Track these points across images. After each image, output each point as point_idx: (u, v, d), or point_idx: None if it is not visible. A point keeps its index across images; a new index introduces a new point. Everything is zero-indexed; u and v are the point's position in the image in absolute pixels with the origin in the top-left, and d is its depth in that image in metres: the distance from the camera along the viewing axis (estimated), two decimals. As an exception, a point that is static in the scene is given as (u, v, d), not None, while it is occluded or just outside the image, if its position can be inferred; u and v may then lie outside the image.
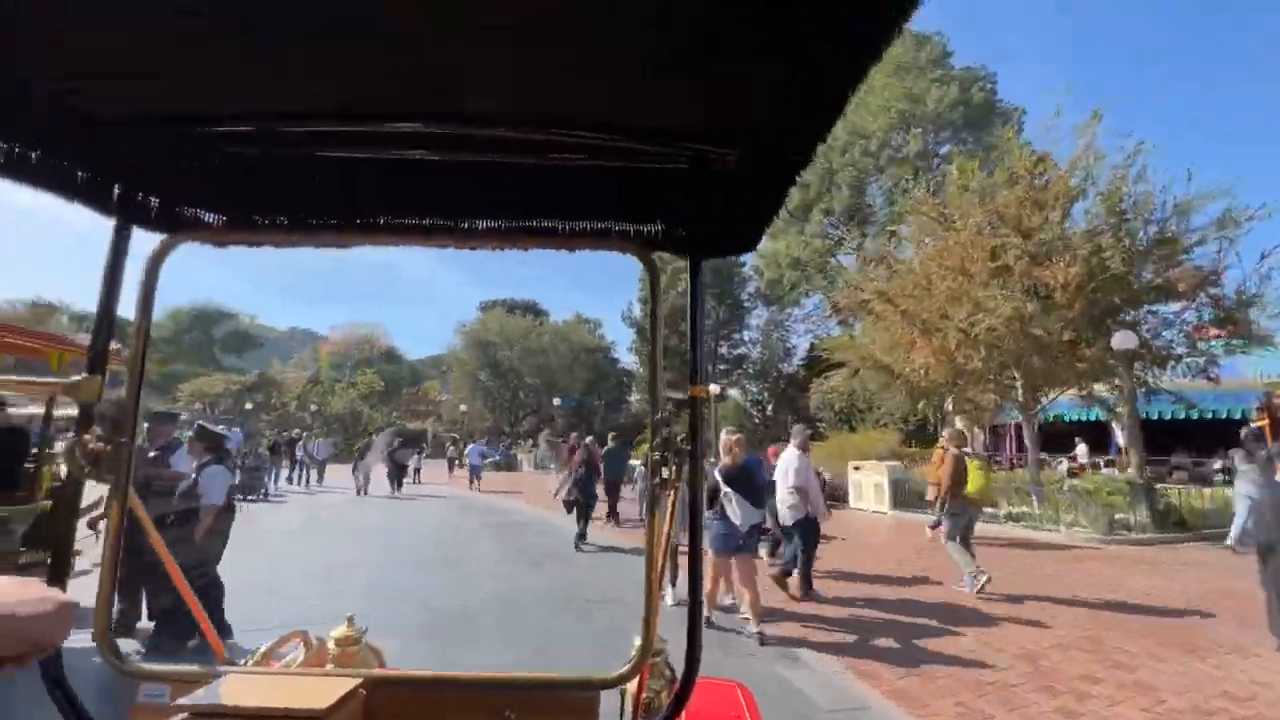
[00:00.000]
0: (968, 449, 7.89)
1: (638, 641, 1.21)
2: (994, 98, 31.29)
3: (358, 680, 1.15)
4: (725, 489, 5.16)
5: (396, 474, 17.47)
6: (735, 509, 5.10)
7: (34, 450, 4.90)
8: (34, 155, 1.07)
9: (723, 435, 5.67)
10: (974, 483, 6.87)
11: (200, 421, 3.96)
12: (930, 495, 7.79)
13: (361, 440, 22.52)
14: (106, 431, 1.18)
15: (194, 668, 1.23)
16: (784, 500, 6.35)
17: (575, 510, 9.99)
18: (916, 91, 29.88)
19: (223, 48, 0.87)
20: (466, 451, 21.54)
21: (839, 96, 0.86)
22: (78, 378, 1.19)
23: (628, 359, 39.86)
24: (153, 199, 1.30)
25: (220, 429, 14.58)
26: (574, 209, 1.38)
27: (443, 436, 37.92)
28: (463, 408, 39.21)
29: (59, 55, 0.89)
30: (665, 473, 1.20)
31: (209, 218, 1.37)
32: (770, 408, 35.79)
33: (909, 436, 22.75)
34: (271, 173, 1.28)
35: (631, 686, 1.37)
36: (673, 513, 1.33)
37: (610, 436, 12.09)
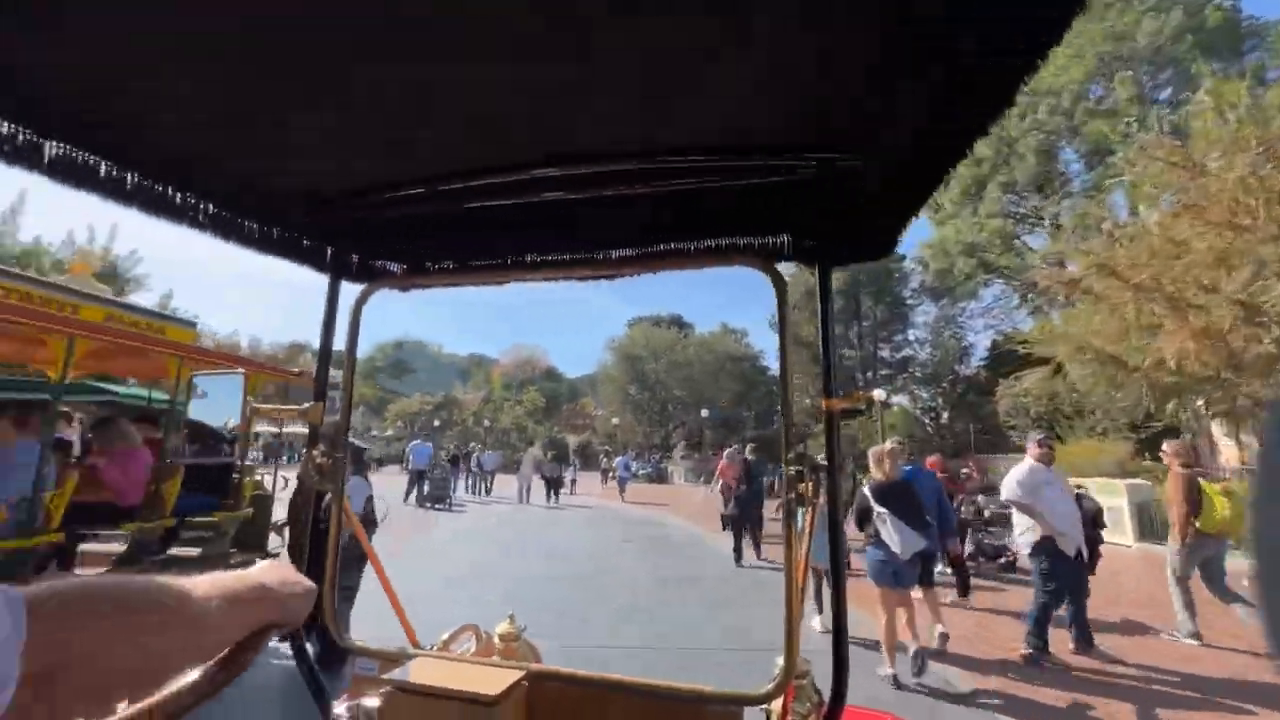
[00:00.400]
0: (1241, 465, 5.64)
1: (780, 661, 1.19)
2: (1238, 14, 24.66)
3: (522, 673, 1.26)
4: (878, 509, 4.33)
5: (551, 485, 18.42)
6: (891, 532, 4.24)
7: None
8: (275, 231, 1.43)
9: (883, 446, 4.87)
10: (1217, 510, 4.95)
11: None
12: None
13: (520, 452, 24.14)
14: (327, 448, 1.41)
15: (394, 649, 1.44)
16: (1016, 525, 4.97)
17: (732, 526, 9.34)
18: (1121, 28, 24.60)
19: (399, 134, 1.11)
20: (615, 464, 22.08)
21: (997, 95, 0.79)
22: (308, 404, 1.44)
23: (777, 368, 38.01)
24: (354, 256, 1.60)
25: (416, 443, 16.25)
26: (700, 229, 1.44)
27: (596, 449, 39.45)
28: (615, 421, 40.43)
29: (288, 156, 1.19)
30: (802, 488, 1.18)
31: (394, 268, 1.65)
32: (946, 415, 31.49)
33: (1142, 446, 18.24)
34: (436, 227, 1.49)
35: (776, 707, 1.31)
36: (810, 530, 1.27)
37: (749, 448, 11.38)
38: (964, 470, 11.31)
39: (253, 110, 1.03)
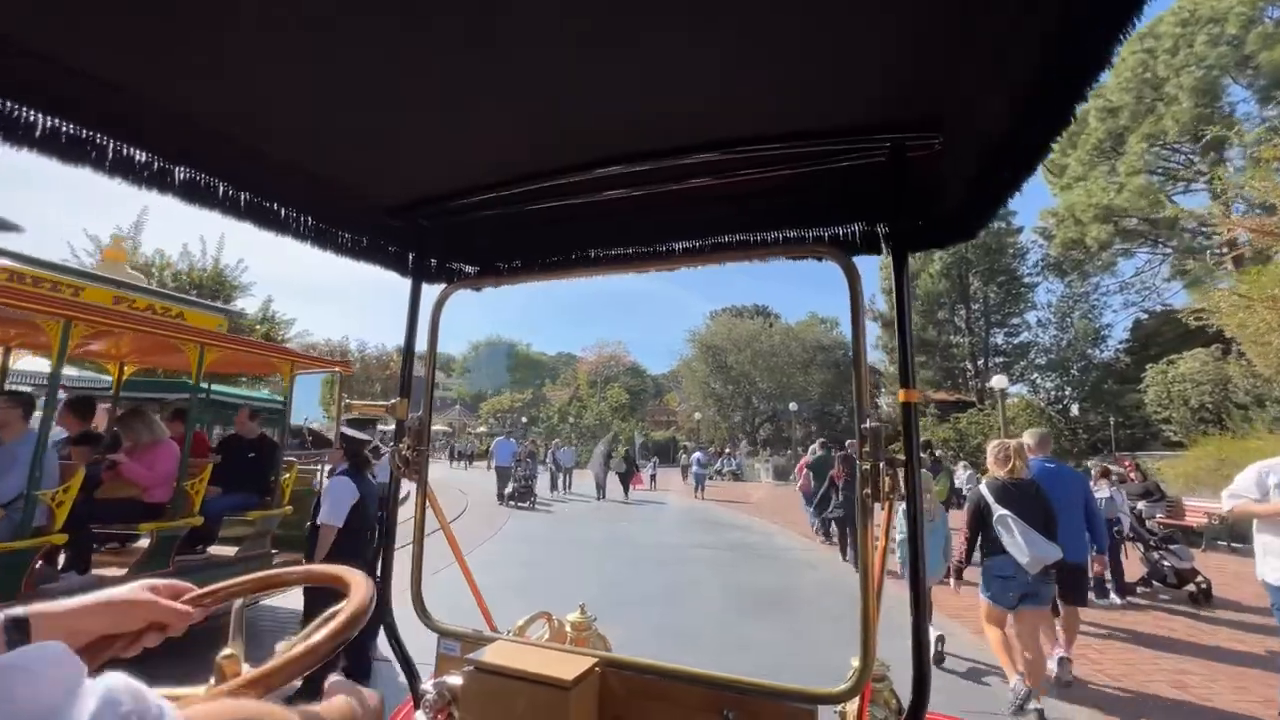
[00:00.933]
0: None
1: (855, 662, 1.16)
2: None
3: (594, 660, 1.30)
4: (999, 511, 3.67)
5: (622, 480, 18.21)
6: (1019, 540, 3.55)
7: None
8: (364, 240, 1.62)
9: (1009, 440, 4.15)
10: None
11: (343, 426, 3.39)
12: None
13: (594, 447, 23.82)
14: (413, 442, 1.53)
15: (473, 631, 1.51)
16: (1259, 549, 3.47)
17: (836, 526, 9.14)
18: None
19: (472, 142, 1.23)
20: (691, 459, 21.33)
21: (1095, 54, 0.72)
22: (394, 400, 1.58)
23: (874, 355, 34.98)
24: (432, 260, 1.75)
25: (499, 439, 16.01)
26: (767, 221, 1.45)
27: (680, 445, 38.60)
28: (697, 416, 39.33)
29: (374, 171, 1.37)
30: (879, 485, 1.12)
31: (469, 269, 1.78)
32: (1076, 407, 27.45)
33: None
34: (507, 229, 1.64)
35: (851, 708, 1.30)
36: (886, 529, 1.22)
37: (819, 443, 10.33)
38: (1117, 469, 9.27)
39: (346, 131, 1.20)
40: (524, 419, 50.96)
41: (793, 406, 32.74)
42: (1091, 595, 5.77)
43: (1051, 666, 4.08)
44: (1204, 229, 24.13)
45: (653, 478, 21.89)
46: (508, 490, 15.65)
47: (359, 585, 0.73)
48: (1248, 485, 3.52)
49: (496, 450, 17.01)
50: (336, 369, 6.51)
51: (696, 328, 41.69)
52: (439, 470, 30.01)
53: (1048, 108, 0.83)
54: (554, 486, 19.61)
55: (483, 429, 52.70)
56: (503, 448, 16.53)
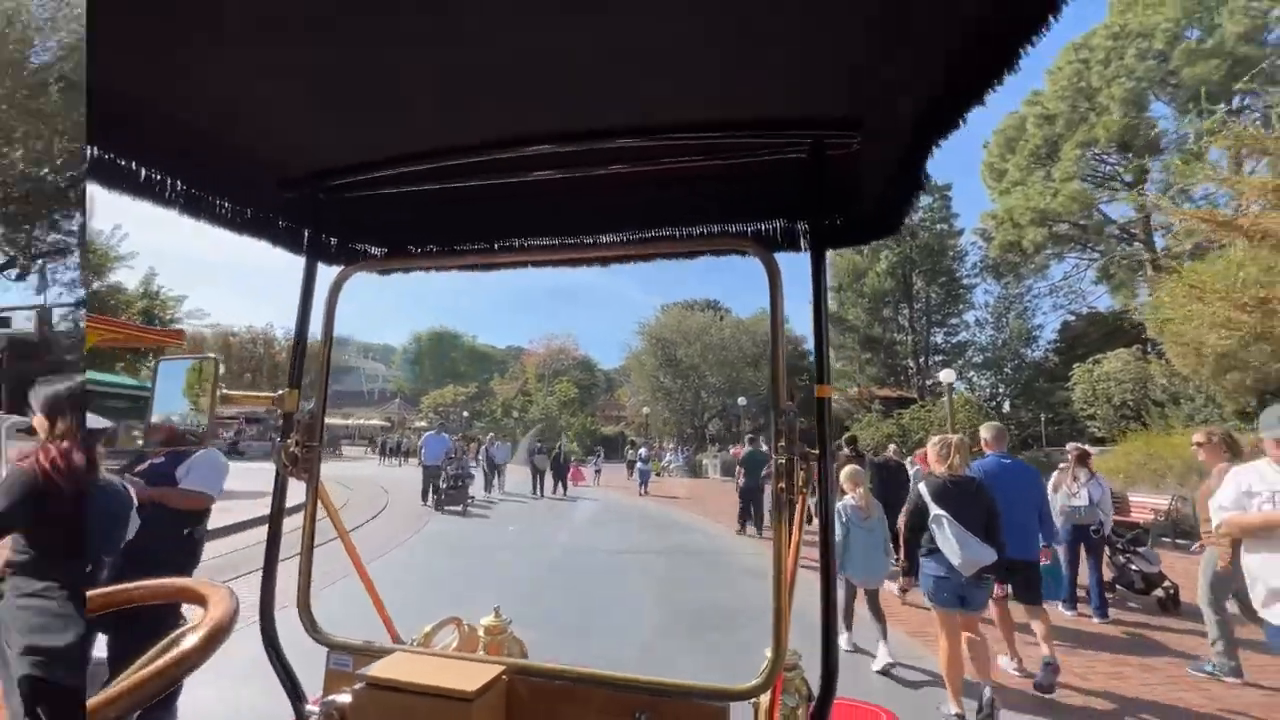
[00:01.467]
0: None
1: (768, 654, 1.15)
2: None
3: (502, 668, 1.23)
4: (935, 511, 3.53)
5: (557, 476, 17.69)
6: (949, 540, 3.39)
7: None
8: (248, 212, 1.46)
9: (950, 435, 4.01)
10: None
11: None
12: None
13: (548, 444, 22.60)
14: (302, 437, 1.36)
15: (370, 643, 1.36)
16: (1248, 567, 2.93)
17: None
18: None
19: (376, 108, 1.10)
20: (636, 455, 20.86)
21: (999, 58, 0.76)
22: (282, 391, 1.41)
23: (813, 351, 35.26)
24: (331, 239, 1.66)
25: (430, 434, 13.79)
26: (691, 215, 1.47)
27: (628, 440, 37.93)
28: (645, 410, 38.70)
29: (258, 133, 1.20)
30: (793, 479, 1.12)
31: (375, 251, 1.71)
32: (1008, 403, 28.48)
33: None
34: (420, 208, 1.50)
35: (764, 700, 1.26)
36: (799, 522, 1.23)
37: (747, 438, 10.53)
38: (1063, 464, 9.06)
39: (221, 84, 1.01)
40: (465, 413, 49.00)
41: (742, 401, 32.57)
42: (1060, 606, 5.29)
43: (1009, 669, 4.11)
44: (1126, 235, 25.43)
45: (597, 473, 21.16)
46: (440, 487, 13.59)
47: (221, 597, 0.68)
48: (1231, 496, 3.03)
49: (426, 445, 14.59)
50: (211, 354, 5.26)
51: (646, 319, 40.84)
52: (368, 467, 28.04)
53: (950, 113, 0.89)
54: (488, 486, 18.17)
55: (422, 424, 50.36)
56: (433, 443, 14.29)
